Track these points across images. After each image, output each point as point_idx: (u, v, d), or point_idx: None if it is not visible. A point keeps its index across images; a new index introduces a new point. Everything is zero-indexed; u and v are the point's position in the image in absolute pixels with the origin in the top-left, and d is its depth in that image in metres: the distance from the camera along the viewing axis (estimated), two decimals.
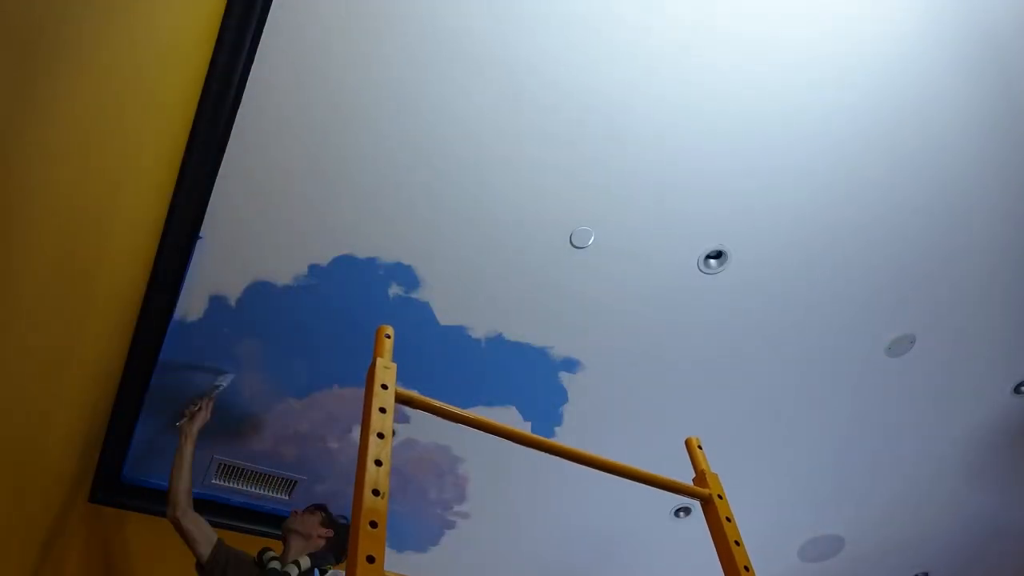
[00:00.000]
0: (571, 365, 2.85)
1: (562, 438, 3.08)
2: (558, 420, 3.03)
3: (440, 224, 2.40)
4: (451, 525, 3.30)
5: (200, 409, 2.49)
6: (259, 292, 2.45)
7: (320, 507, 2.55)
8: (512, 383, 2.86)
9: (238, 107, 2.06)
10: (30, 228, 1.16)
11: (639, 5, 2.07)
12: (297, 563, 2.29)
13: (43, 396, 1.62)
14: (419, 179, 2.30)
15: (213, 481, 2.90)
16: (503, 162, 2.30)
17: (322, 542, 2.42)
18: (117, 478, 2.81)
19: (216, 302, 2.45)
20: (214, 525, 2.98)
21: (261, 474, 2.94)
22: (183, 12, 1.63)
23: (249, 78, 2.02)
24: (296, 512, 2.51)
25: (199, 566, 2.32)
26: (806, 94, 2.31)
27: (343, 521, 2.51)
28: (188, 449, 2.42)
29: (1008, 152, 2.54)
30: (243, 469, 2.90)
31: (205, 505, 2.96)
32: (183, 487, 2.36)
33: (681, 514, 3.47)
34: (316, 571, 2.32)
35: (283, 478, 2.97)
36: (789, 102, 2.32)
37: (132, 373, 2.52)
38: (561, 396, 2.95)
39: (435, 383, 2.80)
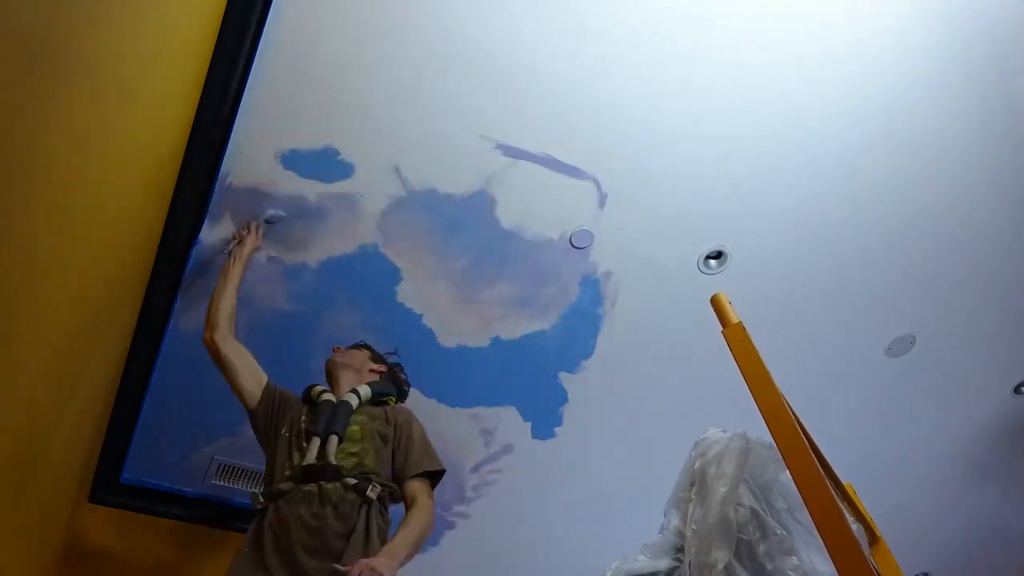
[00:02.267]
0: (571, 366, 2.85)
1: (562, 439, 3.08)
2: (558, 421, 3.03)
3: (440, 224, 2.40)
4: (451, 525, 3.30)
5: (249, 232, 2.24)
6: (258, 294, 2.45)
7: (364, 344, 2.33)
8: (512, 383, 2.86)
9: (238, 105, 2.06)
10: (30, 228, 1.16)
11: (645, 7, 2.07)
12: (356, 392, 2.06)
13: (43, 396, 1.62)
14: (422, 180, 2.30)
15: (213, 481, 2.90)
16: (504, 164, 2.30)
17: (376, 376, 2.21)
18: (117, 478, 2.81)
19: None
20: (214, 526, 2.99)
21: (261, 474, 2.94)
22: None
23: (246, 89, 2.02)
24: (339, 348, 2.28)
25: (249, 412, 2.09)
26: (807, 95, 2.31)
27: (393, 360, 2.33)
28: (236, 271, 2.16)
29: (1008, 153, 2.54)
30: (243, 469, 2.90)
31: (205, 505, 2.96)
32: (224, 307, 2.10)
33: None
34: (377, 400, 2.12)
35: None
36: (790, 103, 2.32)
37: (132, 373, 2.52)
38: (561, 396, 2.95)
39: (437, 383, 2.80)
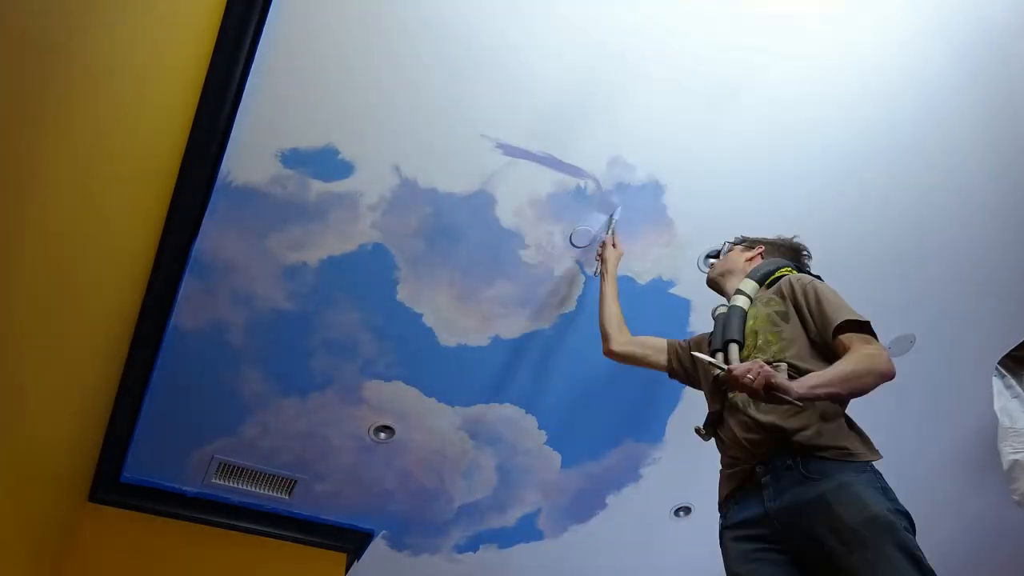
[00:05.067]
0: (570, 365, 2.85)
1: (562, 435, 3.08)
2: (559, 418, 3.03)
3: (440, 223, 2.40)
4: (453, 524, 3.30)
5: (605, 247, 2.37)
6: (258, 293, 2.45)
7: (734, 242, 2.24)
8: (512, 380, 2.86)
9: (238, 105, 2.06)
10: (30, 227, 1.16)
11: (645, 8, 2.07)
12: (740, 291, 1.95)
13: (43, 395, 1.62)
14: (422, 179, 2.30)
15: (213, 480, 2.90)
16: (504, 163, 2.30)
17: (758, 260, 2.10)
18: (117, 478, 2.81)
19: (215, 310, 2.45)
20: (214, 525, 2.99)
21: (261, 473, 2.94)
22: None
23: (245, 89, 2.02)
24: (712, 262, 2.26)
25: (673, 376, 2.16)
26: (808, 95, 2.30)
27: (766, 238, 2.19)
28: (608, 287, 2.32)
29: (1009, 153, 2.54)
30: (243, 468, 2.90)
31: (204, 504, 2.97)
32: (608, 320, 2.27)
33: (681, 514, 3.47)
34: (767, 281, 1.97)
35: (283, 477, 2.97)
36: (791, 103, 2.31)
37: (132, 372, 2.52)
38: (561, 394, 2.95)
39: (437, 382, 2.80)
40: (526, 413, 2.97)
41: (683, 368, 2.12)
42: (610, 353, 2.25)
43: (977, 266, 2.83)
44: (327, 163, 2.23)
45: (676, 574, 3.75)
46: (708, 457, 3.25)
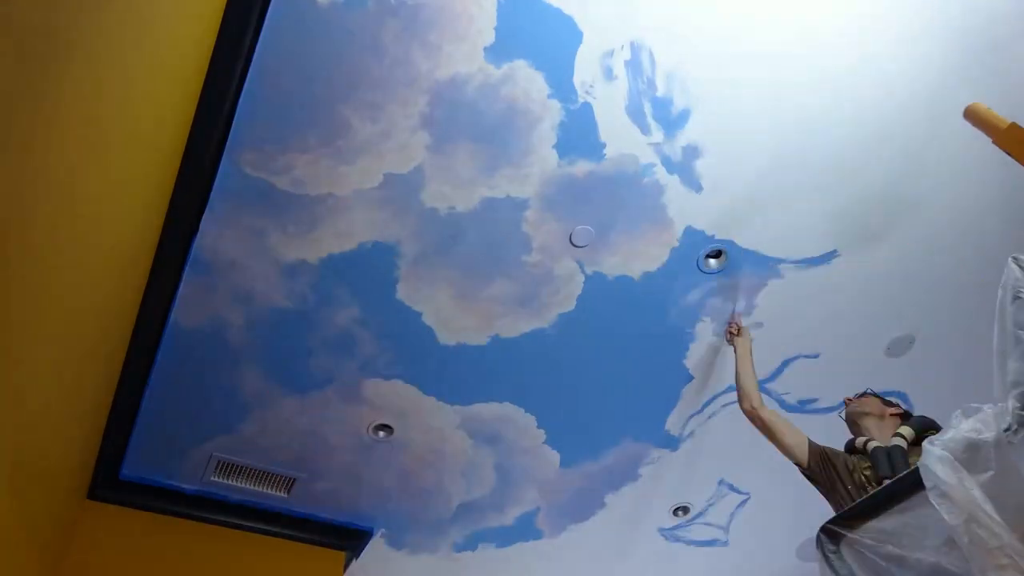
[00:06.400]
0: (569, 364, 2.85)
1: (560, 435, 3.08)
2: (558, 417, 3.03)
3: (441, 222, 2.41)
4: (452, 524, 3.30)
5: (739, 332, 2.67)
6: (258, 291, 2.45)
7: (868, 392, 2.38)
8: (511, 380, 2.86)
9: (238, 103, 2.06)
10: (30, 226, 1.16)
11: (646, 9, 2.08)
12: (900, 434, 2.07)
13: (43, 393, 1.62)
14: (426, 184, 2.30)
15: (212, 478, 2.90)
16: (509, 172, 2.31)
17: (898, 418, 2.20)
18: (116, 475, 2.82)
19: (214, 308, 2.45)
20: (212, 523, 2.99)
21: (260, 471, 2.94)
22: None
23: (245, 88, 2.02)
24: (850, 399, 2.34)
25: (800, 468, 2.23)
26: (808, 95, 2.30)
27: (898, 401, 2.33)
28: (745, 360, 2.55)
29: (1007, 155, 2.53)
30: (242, 466, 2.90)
31: (203, 502, 2.97)
32: (749, 383, 2.47)
33: (680, 513, 3.47)
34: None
35: (282, 475, 2.97)
36: (791, 102, 2.31)
37: (131, 370, 2.52)
38: (561, 392, 2.95)
39: (436, 381, 2.80)
40: (525, 412, 2.96)
41: (820, 470, 2.16)
42: (752, 411, 2.40)
43: (976, 267, 2.82)
44: (328, 162, 2.23)
45: (675, 573, 3.75)
46: (707, 457, 3.26)
